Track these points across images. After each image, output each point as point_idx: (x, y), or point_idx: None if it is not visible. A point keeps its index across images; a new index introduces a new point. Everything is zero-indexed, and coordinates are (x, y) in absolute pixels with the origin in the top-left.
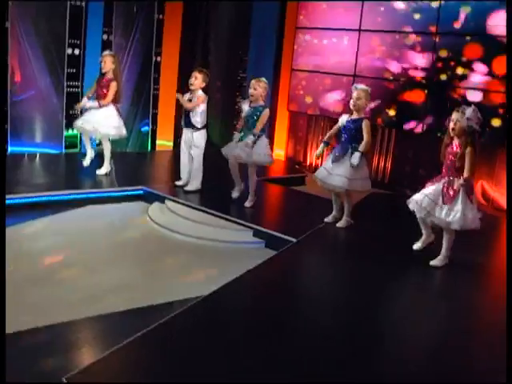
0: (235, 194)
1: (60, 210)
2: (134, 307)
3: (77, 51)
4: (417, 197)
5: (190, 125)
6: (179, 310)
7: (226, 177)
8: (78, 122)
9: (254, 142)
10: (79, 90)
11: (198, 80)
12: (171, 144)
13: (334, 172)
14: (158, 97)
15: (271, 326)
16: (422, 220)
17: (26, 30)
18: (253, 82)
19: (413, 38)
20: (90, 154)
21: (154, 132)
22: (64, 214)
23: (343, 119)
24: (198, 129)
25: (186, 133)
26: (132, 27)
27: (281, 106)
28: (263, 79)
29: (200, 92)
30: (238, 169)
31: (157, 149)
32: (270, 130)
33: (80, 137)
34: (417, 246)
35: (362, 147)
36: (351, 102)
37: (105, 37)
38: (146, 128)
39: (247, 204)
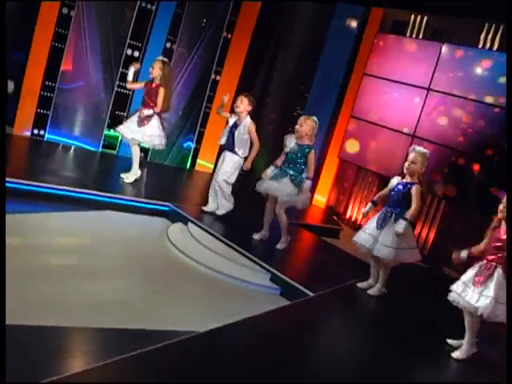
0: (257, 236)
1: (79, 208)
2: (126, 327)
3: (136, 53)
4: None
5: (231, 149)
6: (172, 340)
7: (263, 211)
8: (122, 129)
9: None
10: (129, 91)
11: (243, 104)
12: (212, 166)
13: (379, 240)
14: (208, 115)
15: (266, 377)
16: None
17: (90, 22)
18: (302, 118)
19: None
20: (136, 174)
21: (196, 150)
22: (82, 214)
23: (394, 181)
24: (237, 155)
25: (224, 155)
26: (197, 40)
27: (332, 151)
28: (313, 118)
29: (249, 120)
30: (272, 214)
31: (196, 168)
32: (315, 174)
33: (120, 140)
34: (455, 355)
35: (408, 214)
36: (405, 164)
37: (168, 44)
38: (188, 144)
39: (279, 246)
